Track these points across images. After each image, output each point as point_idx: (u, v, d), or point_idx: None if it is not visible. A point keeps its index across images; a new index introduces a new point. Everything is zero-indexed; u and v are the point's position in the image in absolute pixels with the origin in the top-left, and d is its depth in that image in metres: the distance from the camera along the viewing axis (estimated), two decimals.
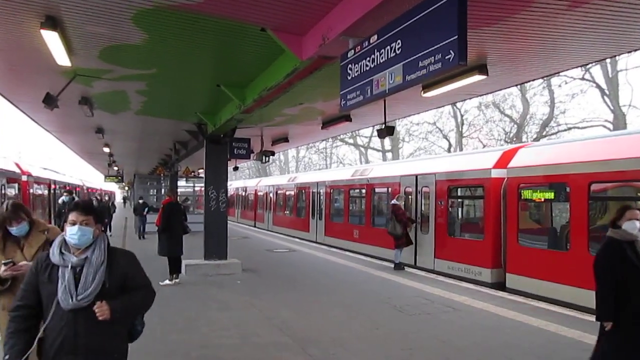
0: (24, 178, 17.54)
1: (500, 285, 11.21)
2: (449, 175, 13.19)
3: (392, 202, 13.89)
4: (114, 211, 23.23)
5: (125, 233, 23.60)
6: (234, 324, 7.89)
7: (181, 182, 27.28)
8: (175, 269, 11.33)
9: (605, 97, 26.84)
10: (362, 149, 47.45)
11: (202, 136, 13.36)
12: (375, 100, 4.51)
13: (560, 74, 26.53)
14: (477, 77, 7.81)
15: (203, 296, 9.95)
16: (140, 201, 22.20)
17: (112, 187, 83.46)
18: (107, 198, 23.01)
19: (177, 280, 11.20)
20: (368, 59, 4.69)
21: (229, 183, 15.44)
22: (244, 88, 9.10)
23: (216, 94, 9.94)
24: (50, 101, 8.97)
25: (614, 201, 9.63)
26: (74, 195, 21.37)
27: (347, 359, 6.24)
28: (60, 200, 19.82)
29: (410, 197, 15.06)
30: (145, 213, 21.37)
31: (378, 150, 45.35)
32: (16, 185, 16.63)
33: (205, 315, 8.45)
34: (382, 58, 4.46)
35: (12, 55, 7.90)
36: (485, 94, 10.74)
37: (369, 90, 4.56)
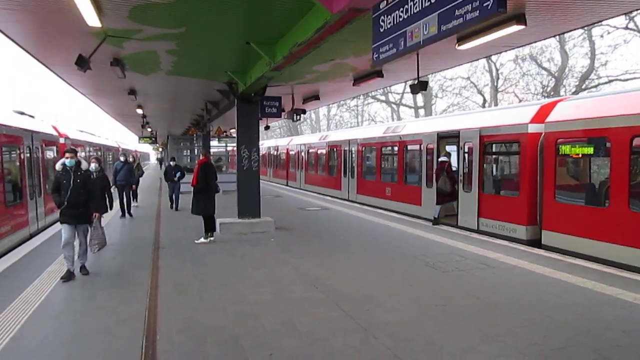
0: (62, 140, 17.90)
1: (535, 243, 11.05)
2: (484, 131, 12.83)
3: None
4: (141, 174, 19.19)
5: (160, 203, 19.89)
6: (268, 280, 8.02)
7: (213, 142, 27.50)
8: (210, 227, 11.54)
9: None
10: (394, 106, 46.79)
11: (233, 95, 13.32)
12: (409, 52, 4.36)
13: (603, 22, 25.38)
14: (515, 28, 7.51)
15: (237, 254, 10.12)
16: (172, 163, 18.35)
17: (147, 148, 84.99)
18: (131, 159, 18.83)
19: (212, 239, 11.41)
20: (401, 9, 4.51)
21: (260, 142, 15.45)
22: (274, 45, 8.96)
23: (246, 51, 9.83)
24: (82, 63, 9.04)
25: None
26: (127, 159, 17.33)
27: (380, 315, 6.28)
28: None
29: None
30: (177, 178, 17.45)
31: (410, 107, 44.64)
32: (54, 147, 16.98)
33: (240, 272, 8.61)
34: (416, 8, 4.29)
35: (44, 17, 7.93)
36: (522, 46, 10.34)
37: (402, 43, 4.41)
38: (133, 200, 17.20)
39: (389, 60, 4.73)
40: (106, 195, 12.41)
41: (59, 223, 8.57)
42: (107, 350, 5.25)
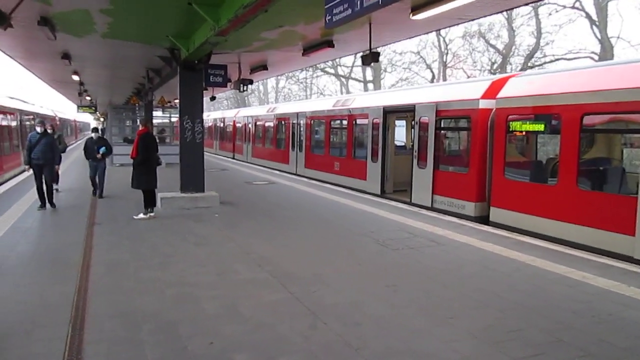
0: None
1: (483, 220, 11.03)
2: (440, 105, 12.60)
3: None
4: (64, 149, 15.38)
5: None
6: (211, 259, 7.57)
7: (158, 113, 26.36)
8: (150, 202, 10.92)
9: (594, 27, 26.16)
10: (343, 80, 46.37)
11: (176, 62, 12.54)
12: (366, 13, 3.94)
13: (551, 2, 25.77)
14: None
15: (179, 230, 9.59)
16: (94, 135, 13.87)
17: (88, 118, 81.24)
18: (50, 129, 12.81)
19: (152, 214, 10.80)
20: None
21: (206, 114, 14.75)
22: (219, 7, 8.30)
23: (188, 14, 9.11)
24: (1, 19, 8.10)
25: (607, 134, 9.33)
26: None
27: (329, 297, 5.96)
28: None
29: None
30: (101, 155, 13.33)
31: (359, 81, 44.34)
32: None
33: (182, 250, 8.11)
34: None
35: None
36: (476, 18, 10.08)
37: (358, 3, 3.97)
38: (57, 182, 13.81)
39: (343, 23, 4.30)
40: None
41: None
42: (26, 342, 4.68)
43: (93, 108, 42.57)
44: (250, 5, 6.69)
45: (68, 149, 26.45)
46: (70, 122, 54.72)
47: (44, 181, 11.47)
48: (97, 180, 13.50)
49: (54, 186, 13.23)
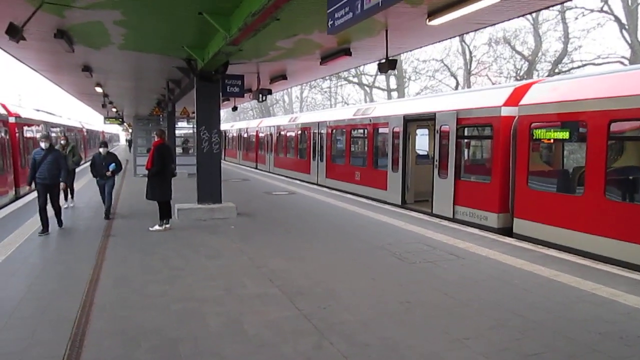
0: (12, 120, 16.78)
1: (506, 231, 10.62)
2: (461, 113, 12.24)
3: None
4: (78, 162, 13.56)
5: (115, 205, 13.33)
6: (222, 273, 7.38)
7: (182, 124, 26.45)
8: (166, 213, 10.81)
9: (624, 31, 25.38)
10: (367, 89, 46.10)
11: (192, 73, 12.50)
12: (367, 17, 3.71)
13: (578, 6, 25.12)
14: (491, 0, 6.89)
15: (193, 242, 9.45)
16: (102, 150, 12.17)
17: (116, 129, 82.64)
18: (64, 140, 13.23)
19: (167, 226, 10.70)
20: None
21: (230, 124, 14.67)
22: (229, 16, 8.18)
23: (201, 24, 9.02)
24: (14, 32, 8.11)
25: (637, 142, 8.87)
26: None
27: (338, 314, 5.70)
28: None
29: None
30: (110, 173, 11.86)
31: (383, 90, 44.02)
32: (2, 126, 15.87)
33: (193, 263, 7.95)
34: None
35: None
36: (497, 23, 9.75)
37: (359, 5, 3.74)
38: (66, 198, 13.13)
39: (346, 27, 4.07)
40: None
41: None
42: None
43: (120, 119, 43.30)
44: (258, 13, 6.52)
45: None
46: (98, 134, 55.63)
47: (48, 201, 10.14)
48: (105, 199, 12.04)
49: (67, 203, 13.01)
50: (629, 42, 25.30)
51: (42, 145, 10.17)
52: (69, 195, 13.43)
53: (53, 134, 23.96)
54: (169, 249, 8.95)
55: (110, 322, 5.46)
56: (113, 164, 11.89)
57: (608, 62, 27.10)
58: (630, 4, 24.65)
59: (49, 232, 10.03)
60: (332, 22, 4.25)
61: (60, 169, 10.20)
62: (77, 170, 12.92)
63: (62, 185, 10.44)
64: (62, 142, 12.39)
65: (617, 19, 25.64)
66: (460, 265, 7.87)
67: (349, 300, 6.21)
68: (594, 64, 27.28)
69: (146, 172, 10.86)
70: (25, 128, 19.00)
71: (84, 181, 12.23)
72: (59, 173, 10.20)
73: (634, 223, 8.02)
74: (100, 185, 12.18)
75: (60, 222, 10.69)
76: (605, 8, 25.52)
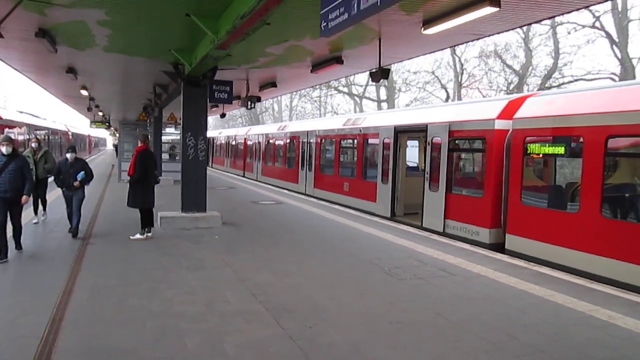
0: None
1: (498, 247, 10.36)
2: (453, 125, 12.00)
3: None
4: (50, 169, 11.10)
5: (96, 214, 13.06)
6: (203, 286, 7.03)
7: (170, 129, 26.03)
8: (147, 221, 10.42)
9: (615, 47, 25.47)
10: (357, 99, 46.04)
11: (179, 77, 12.16)
12: (363, 18, 3.42)
13: (570, 20, 25.19)
14: (488, 10, 6.69)
15: (175, 253, 9.09)
16: (68, 156, 10.26)
17: (104, 133, 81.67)
18: (35, 143, 11.28)
19: (149, 235, 10.31)
20: None
21: (218, 131, 14.33)
22: (217, 19, 7.88)
23: (189, 27, 8.73)
24: None
25: (635, 158, 8.67)
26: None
27: (326, 334, 5.37)
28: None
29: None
30: (79, 182, 10.06)
31: (373, 100, 44.00)
32: None
33: (173, 275, 7.58)
34: None
35: None
36: (491, 35, 9.57)
37: (354, 5, 3.45)
38: (36, 212, 11.49)
39: (340, 29, 3.79)
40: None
41: None
42: None
43: (106, 123, 42.70)
44: (247, 15, 6.23)
45: None
46: (84, 137, 54.91)
47: (8, 219, 8.32)
48: (72, 213, 10.25)
49: (38, 217, 11.48)
50: (620, 58, 25.38)
51: (3, 150, 8.18)
52: (40, 208, 11.60)
53: (39, 137, 23.46)
54: (150, 259, 8.58)
55: (80, 339, 5.09)
56: (82, 173, 10.09)
57: (598, 78, 27.20)
58: (621, 19, 24.76)
59: (7, 259, 8.09)
60: (325, 23, 3.97)
61: (24, 180, 8.32)
62: (49, 179, 11.40)
63: (24, 199, 8.32)
64: (34, 145, 11.04)
65: (609, 35, 25.75)
66: (452, 282, 7.58)
67: (337, 318, 5.89)
68: (584, 80, 27.35)
69: (129, 178, 10.48)
70: (7, 130, 18.47)
71: (59, 191, 11.22)
72: (23, 185, 8.29)
73: (631, 242, 7.78)
74: (67, 197, 10.33)
75: (19, 246, 8.74)
76: (597, 24, 25.63)
